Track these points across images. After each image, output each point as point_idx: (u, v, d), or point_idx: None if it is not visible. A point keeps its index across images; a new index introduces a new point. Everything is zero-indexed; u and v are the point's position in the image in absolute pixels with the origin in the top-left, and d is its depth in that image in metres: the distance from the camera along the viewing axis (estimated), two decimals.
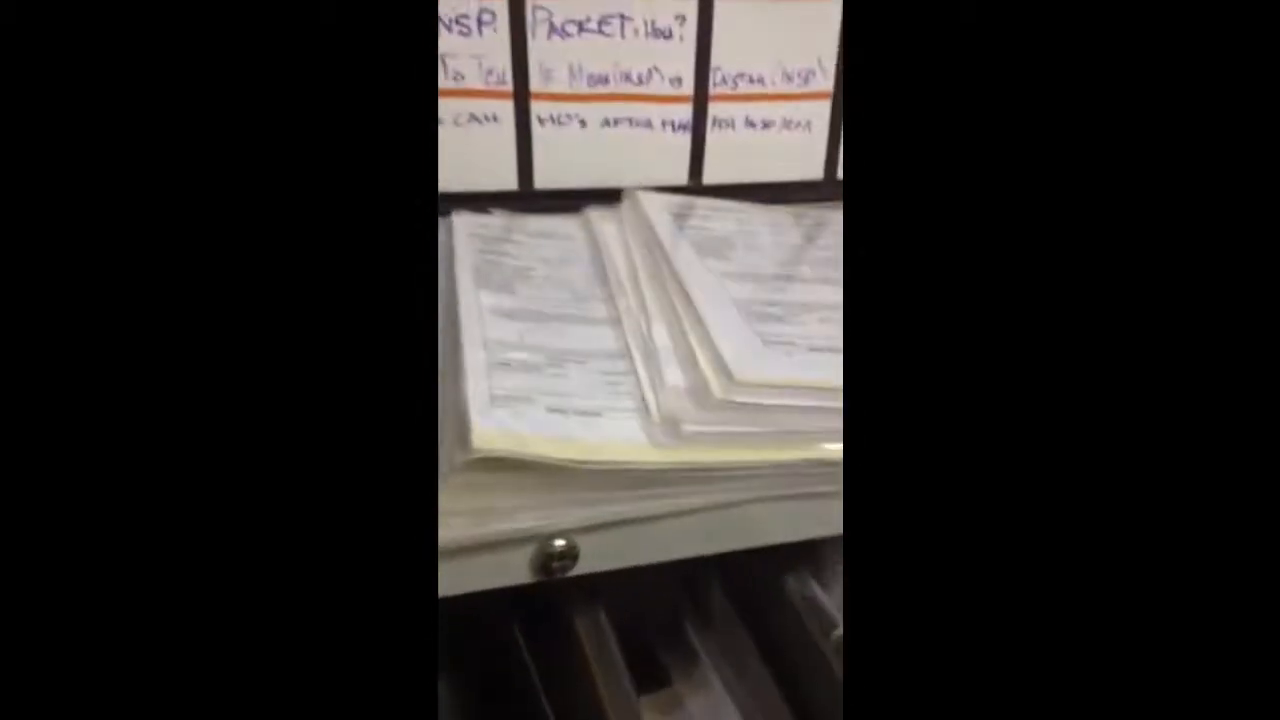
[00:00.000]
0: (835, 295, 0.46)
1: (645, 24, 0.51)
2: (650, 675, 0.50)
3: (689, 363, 0.39)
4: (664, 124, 0.54)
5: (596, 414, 0.36)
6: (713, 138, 0.55)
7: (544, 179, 0.54)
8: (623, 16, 0.51)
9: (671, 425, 0.35)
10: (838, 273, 0.49)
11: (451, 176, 0.52)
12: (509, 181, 0.53)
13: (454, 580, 0.34)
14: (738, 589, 0.49)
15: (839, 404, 0.36)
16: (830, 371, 0.38)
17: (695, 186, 0.56)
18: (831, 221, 0.56)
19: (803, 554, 0.45)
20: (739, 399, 0.36)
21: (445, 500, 0.33)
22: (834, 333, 0.42)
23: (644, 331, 0.41)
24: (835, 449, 0.36)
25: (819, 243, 0.53)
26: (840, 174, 0.58)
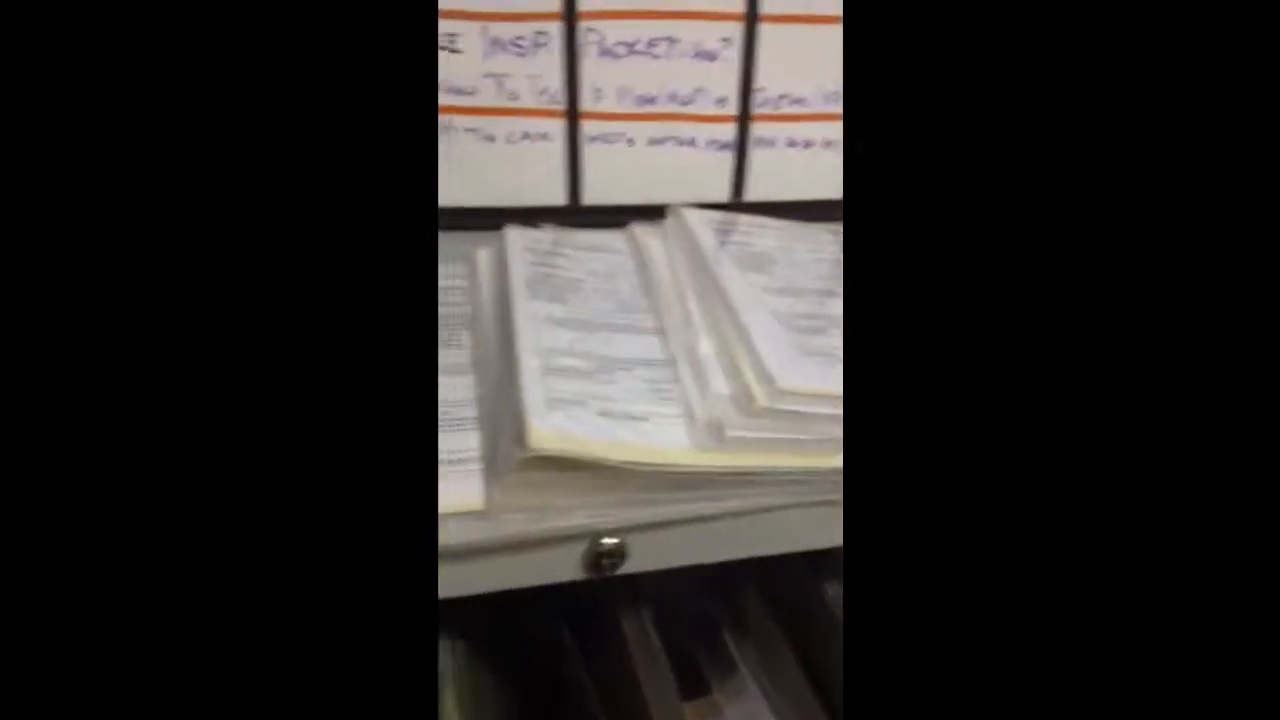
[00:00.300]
0: None
1: (692, 46, 0.53)
2: (690, 682, 0.51)
3: (733, 372, 0.40)
4: (708, 143, 0.56)
5: (644, 419, 0.38)
6: (755, 156, 0.57)
7: (592, 195, 0.55)
8: (670, 39, 0.53)
9: (715, 430, 0.37)
10: None
11: (503, 192, 0.54)
12: (558, 197, 0.55)
13: (507, 575, 0.35)
14: (775, 596, 0.50)
15: None
16: None
17: (736, 204, 0.58)
18: None
19: (835, 560, 0.46)
20: (781, 406, 0.37)
21: (502, 497, 0.34)
22: None
23: (689, 342, 0.43)
24: None
25: None
26: None
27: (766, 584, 0.50)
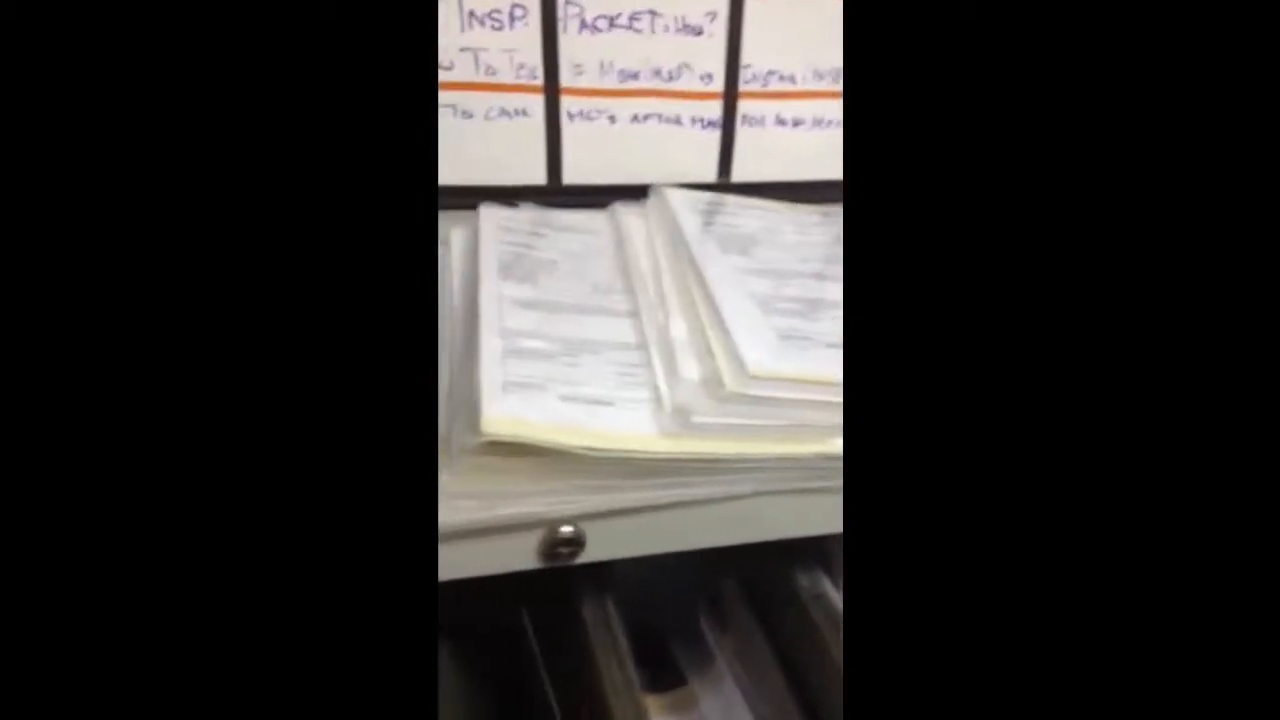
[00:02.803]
0: None
1: (676, 20, 0.51)
2: (666, 673, 0.50)
3: (704, 355, 0.39)
4: (693, 121, 0.54)
5: (608, 403, 0.37)
6: (742, 135, 0.55)
7: (572, 174, 0.54)
8: (653, 13, 0.51)
9: (682, 415, 0.36)
10: None
11: (481, 170, 0.52)
12: (538, 176, 0.54)
13: (460, 564, 0.34)
14: (752, 586, 0.49)
15: None
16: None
17: (724, 184, 0.56)
18: None
19: (813, 550, 0.45)
20: (751, 391, 0.36)
21: (454, 483, 0.33)
22: None
23: (661, 324, 0.41)
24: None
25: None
26: None
27: (745, 573, 0.49)
